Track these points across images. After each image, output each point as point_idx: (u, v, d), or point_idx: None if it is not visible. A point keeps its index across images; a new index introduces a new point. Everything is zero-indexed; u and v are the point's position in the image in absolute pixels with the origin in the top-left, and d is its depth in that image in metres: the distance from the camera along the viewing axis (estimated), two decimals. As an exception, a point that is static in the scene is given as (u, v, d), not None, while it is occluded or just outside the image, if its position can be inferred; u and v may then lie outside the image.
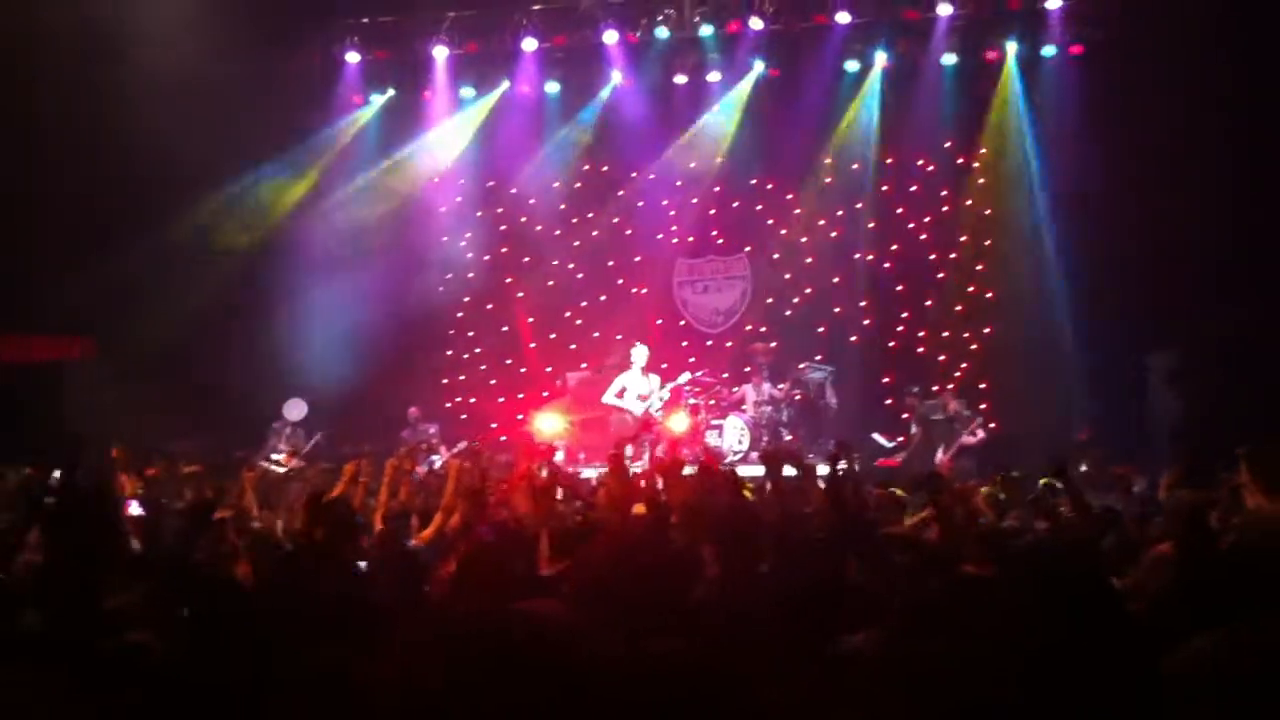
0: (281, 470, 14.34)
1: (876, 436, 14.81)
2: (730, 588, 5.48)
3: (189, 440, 13.78)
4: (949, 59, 16.03)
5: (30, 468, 9.15)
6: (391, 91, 17.75)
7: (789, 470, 8.58)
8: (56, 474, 9.33)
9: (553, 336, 17.84)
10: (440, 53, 17.23)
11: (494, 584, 5.33)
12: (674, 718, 3.53)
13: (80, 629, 4.33)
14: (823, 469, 9.14)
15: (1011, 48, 15.87)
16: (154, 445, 12.92)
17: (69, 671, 3.77)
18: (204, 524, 6.54)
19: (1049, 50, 15.71)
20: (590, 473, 12.24)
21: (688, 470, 9.44)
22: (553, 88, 17.56)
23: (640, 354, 15.01)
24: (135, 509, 8.40)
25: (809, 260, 17.08)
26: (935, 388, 15.33)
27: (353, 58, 17.40)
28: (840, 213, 16.95)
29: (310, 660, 3.65)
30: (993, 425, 15.34)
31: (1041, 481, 8.13)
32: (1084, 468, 11.49)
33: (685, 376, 15.18)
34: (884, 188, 16.77)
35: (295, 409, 15.98)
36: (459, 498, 7.23)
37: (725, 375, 16.03)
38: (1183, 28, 13.36)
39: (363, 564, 6.17)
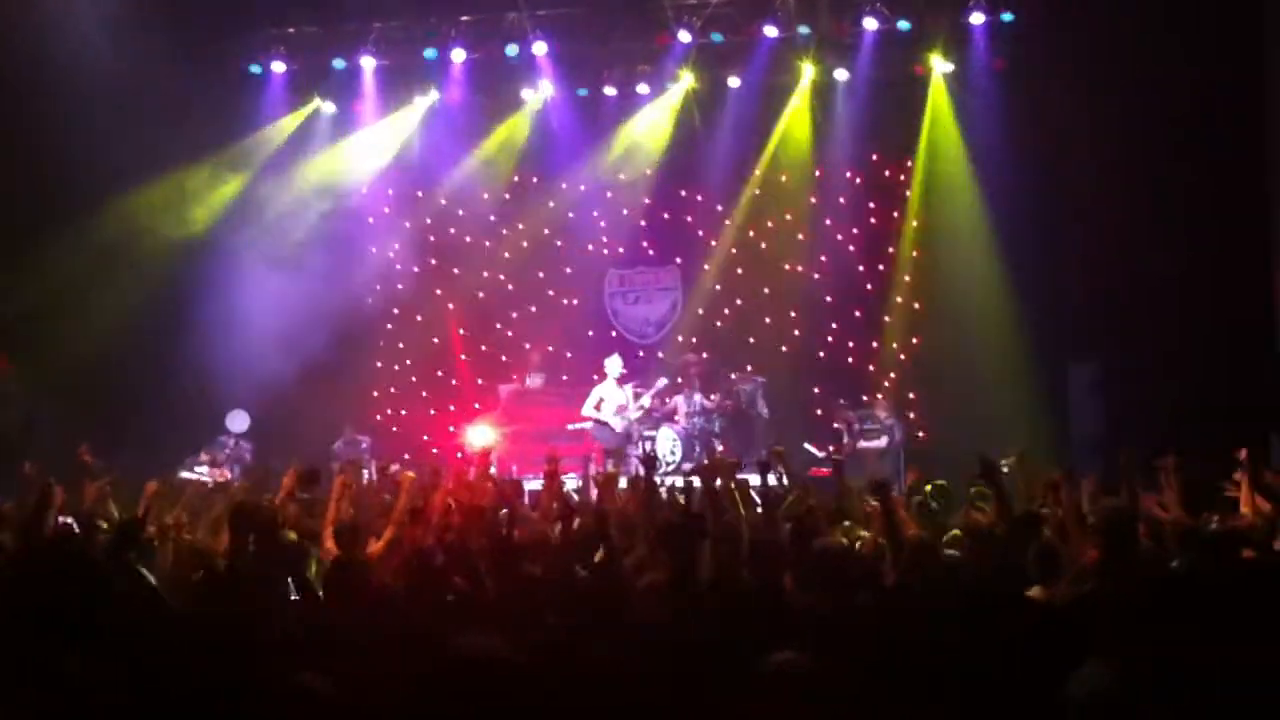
0: (207, 482, 14.11)
1: (808, 446, 14.88)
2: (667, 600, 5.51)
3: (109, 455, 13.54)
4: (876, 73, 16.18)
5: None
6: (318, 101, 17.57)
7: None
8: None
9: (483, 348, 17.77)
10: (368, 63, 17.09)
11: (439, 605, 5.33)
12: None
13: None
14: (755, 479, 9.21)
15: (937, 62, 16.06)
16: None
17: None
18: (132, 542, 6.46)
19: (973, 65, 15.91)
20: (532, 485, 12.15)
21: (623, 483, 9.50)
22: (481, 99, 17.49)
23: (614, 364, 15.05)
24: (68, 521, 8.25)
25: (739, 271, 17.17)
26: (865, 398, 15.50)
27: (278, 67, 17.21)
28: (770, 224, 17.05)
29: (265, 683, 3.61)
30: (920, 434, 15.59)
31: (972, 489, 8.24)
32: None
33: (662, 383, 15.24)
34: (812, 200, 16.90)
35: (237, 421, 15.77)
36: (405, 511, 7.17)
37: (660, 385, 16.04)
38: (1105, 42, 13.65)
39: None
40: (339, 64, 17.26)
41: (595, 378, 15.77)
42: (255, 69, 17.27)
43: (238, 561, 6.08)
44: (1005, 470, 7.84)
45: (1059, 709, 3.43)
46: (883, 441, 14.74)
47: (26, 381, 14.62)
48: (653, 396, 15.20)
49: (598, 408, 14.97)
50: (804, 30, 16.23)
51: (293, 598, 5.91)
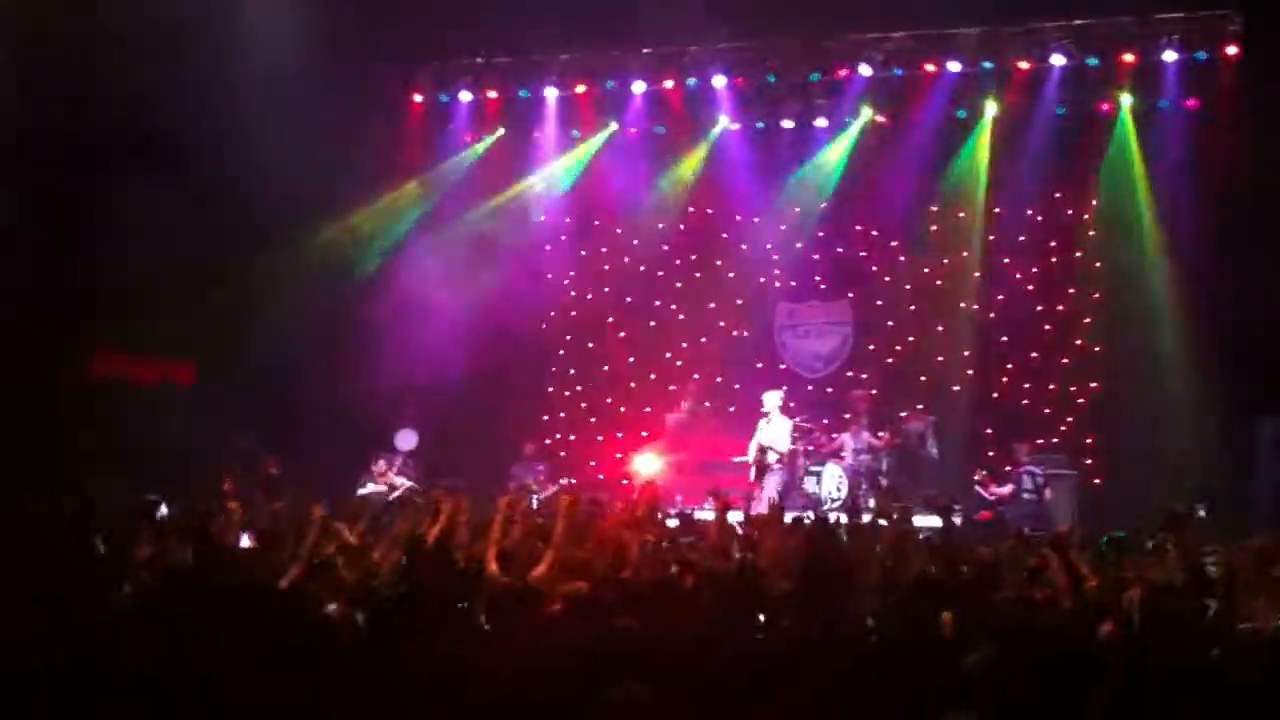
0: (389, 498, 14.52)
1: (980, 489, 14.60)
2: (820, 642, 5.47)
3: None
4: (1060, 109, 15.87)
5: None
6: (501, 131, 18.02)
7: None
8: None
9: (652, 377, 17.89)
10: (551, 93, 17.50)
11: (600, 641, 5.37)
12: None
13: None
14: (929, 520, 9.11)
15: (1126, 100, 15.68)
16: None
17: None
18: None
19: (1163, 104, 15.49)
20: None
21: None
22: (660, 130, 17.71)
23: (772, 399, 14.97)
24: (246, 540, 8.57)
25: (912, 308, 16.97)
26: (1039, 441, 15.16)
27: (465, 97, 17.75)
28: (945, 261, 16.83)
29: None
30: (1096, 481, 15.17)
31: (1150, 543, 7.98)
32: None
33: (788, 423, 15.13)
34: (991, 237, 16.62)
35: (406, 439, 16.22)
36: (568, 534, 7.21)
37: (825, 421, 15.93)
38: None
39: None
40: (523, 94, 17.68)
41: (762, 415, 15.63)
42: (444, 98, 17.78)
43: (412, 589, 6.21)
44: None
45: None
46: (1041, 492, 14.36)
47: (209, 394, 15.24)
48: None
49: (762, 450, 14.84)
50: (988, 65, 16.02)
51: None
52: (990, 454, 15.63)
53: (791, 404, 16.13)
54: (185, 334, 15.17)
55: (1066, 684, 4.39)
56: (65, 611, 5.07)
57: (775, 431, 14.80)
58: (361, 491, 14.85)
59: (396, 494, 14.68)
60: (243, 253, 15.05)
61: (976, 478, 14.74)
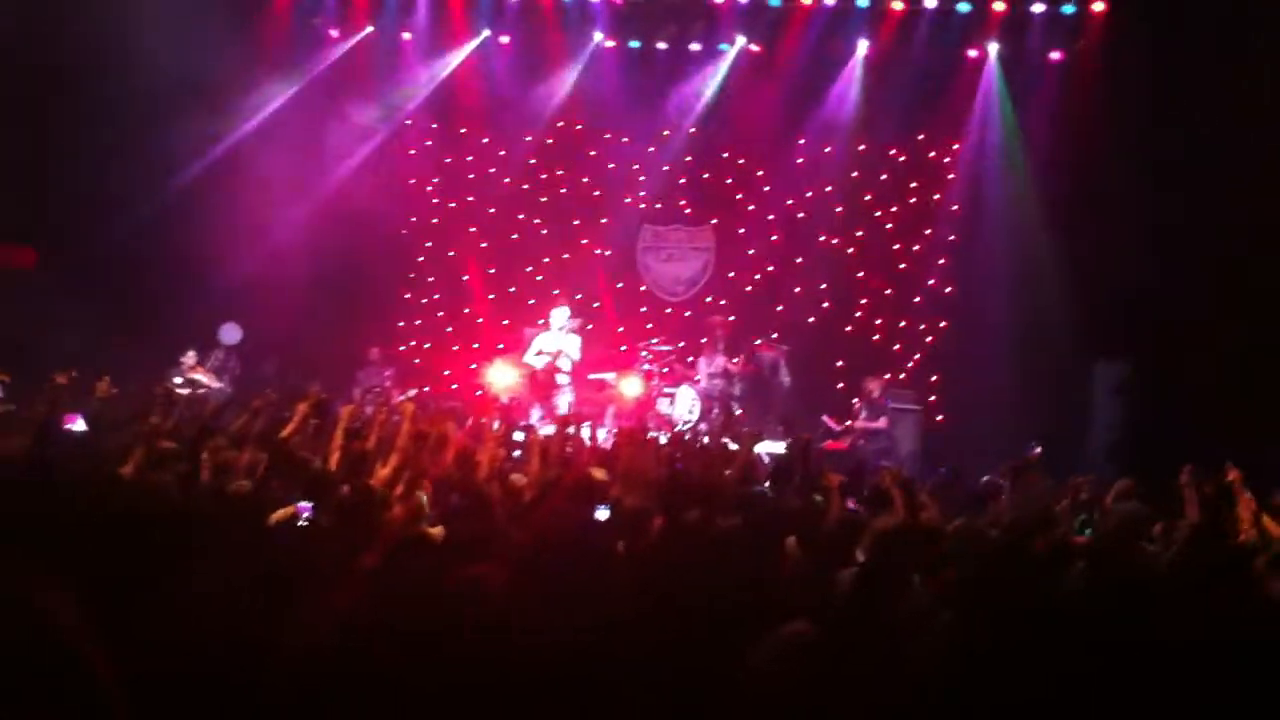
0: (201, 391, 14.17)
1: (826, 419, 14.91)
2: (672, 558, 5.56)
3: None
4: (931, 52, 16.06)
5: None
6: (370, 29, 17.54)
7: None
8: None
9: (512, 290, 17.80)
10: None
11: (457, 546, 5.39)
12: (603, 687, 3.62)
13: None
14: (776, 446, 9.29)
15: (993, 48, 15.95)
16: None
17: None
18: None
19: (1031, 54, 15.79)
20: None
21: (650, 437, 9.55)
22: (532, 41, 17.43)
23: (559, 315, 15.08)
24: (80, 425, 8.35)
25: (773, 238, 17.14)
26: (887, 376, 15.50)
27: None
28: (809, 194, 16.99)
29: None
30: (940, 419, 15.61)
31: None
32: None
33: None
34: (854, 174, 16.82)
35: (230, 333, 15.83)
36: (411, 440, 7.18)
37: (680, 344, 16.06)
38: (1164, 38, 13.49)
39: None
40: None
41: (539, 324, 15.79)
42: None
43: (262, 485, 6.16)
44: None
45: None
46: (882, 422, 14.74)
47: (48, 275, 14.71)
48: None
49: (538, 355, 15.06)
50: (862, 3, 16.12)
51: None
52: (840, 386, 15.96)
53: (649, 325, 16.29)
54: (26, 219, 14.63)
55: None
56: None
57: (565, 346, 14.95)
58: (167, 385, 14.36)
59: (200, 391, 14.24)
60: (97, 138, 14.45)
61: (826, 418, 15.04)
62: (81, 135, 14.51)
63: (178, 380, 14.58)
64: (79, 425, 8.40)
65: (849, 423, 14.83)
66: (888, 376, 15.43)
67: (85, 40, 13.89)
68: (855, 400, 15.09)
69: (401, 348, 17.37)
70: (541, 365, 14.83)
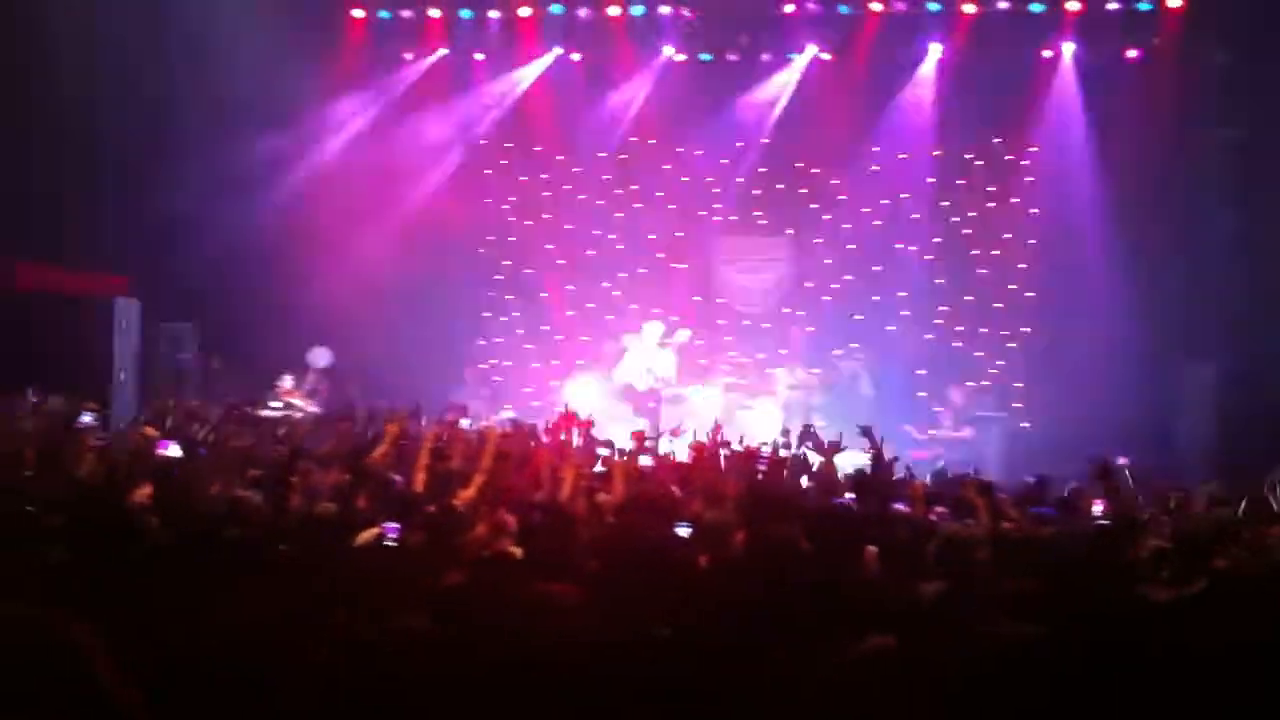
0: (297, 414, 14.37)
1: (909, 429, 14.77)
2: (754, 571, 5.54)
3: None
4: (1004, 54, 15.88)
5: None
6: (443, 51, 17.73)
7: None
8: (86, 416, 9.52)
9: (590, 306, 17.87)
10: (494, 15, 17.23)
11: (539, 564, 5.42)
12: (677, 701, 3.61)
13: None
14: (858, 458, 9.23)
15: (1069, 48, 15.75)
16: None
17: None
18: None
19: (1107, 53, 15.57)
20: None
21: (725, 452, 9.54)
22: (603, 58, 17.51)
23: (652, 330, 15.06)
24: (174, 450, 8.51)
25: (851, 247, 17.04)
26: (970, 384, 15.33)
27: (406, 14, 17.42)
28: (885, 202, 16.88)
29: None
30: (1025, 425, 15.39)
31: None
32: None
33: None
34: (930, 180, 16.68)
35: (320, 356, 16.02)
36: (496, 461, 7.24)
37: (760, 357, 15.99)
38: (1244, 36, 13.25)
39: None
40: (466, 14, 17.37)
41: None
42: (385, 15, 17.44)
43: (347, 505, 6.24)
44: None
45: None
46: (966, 431, 14.59)
47: (141, 303, 15.06)
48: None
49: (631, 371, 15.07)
50: (934, 8, 16.00)
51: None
52: (922, 395, 15.81)
53: (727, 337, 16.27)
54: (118, 246, 14.98)
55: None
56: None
57: (660, 361, 14.96)
58: (264, 411, 14.63)
59: (299, 415, 14.45)
60: (171, 165, 14.75)
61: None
62: (166, 162, 14.83)
63: (274, 404, 14.85)
64: (173, 450, 8.57)
65: (931, 432, 14.68)
66: (970, 385, 15.24)
67: (170, 69, 14.24)
68: (938, 409, 14.94)
69: (481, 366, 17.47)
70: (642, 382, 14.78)
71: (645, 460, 9.00)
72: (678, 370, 15.35)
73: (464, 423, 12.75)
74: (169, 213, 14.68)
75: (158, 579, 4.44)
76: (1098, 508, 7.26)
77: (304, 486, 6.99)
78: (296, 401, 15.12)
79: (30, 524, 5.16)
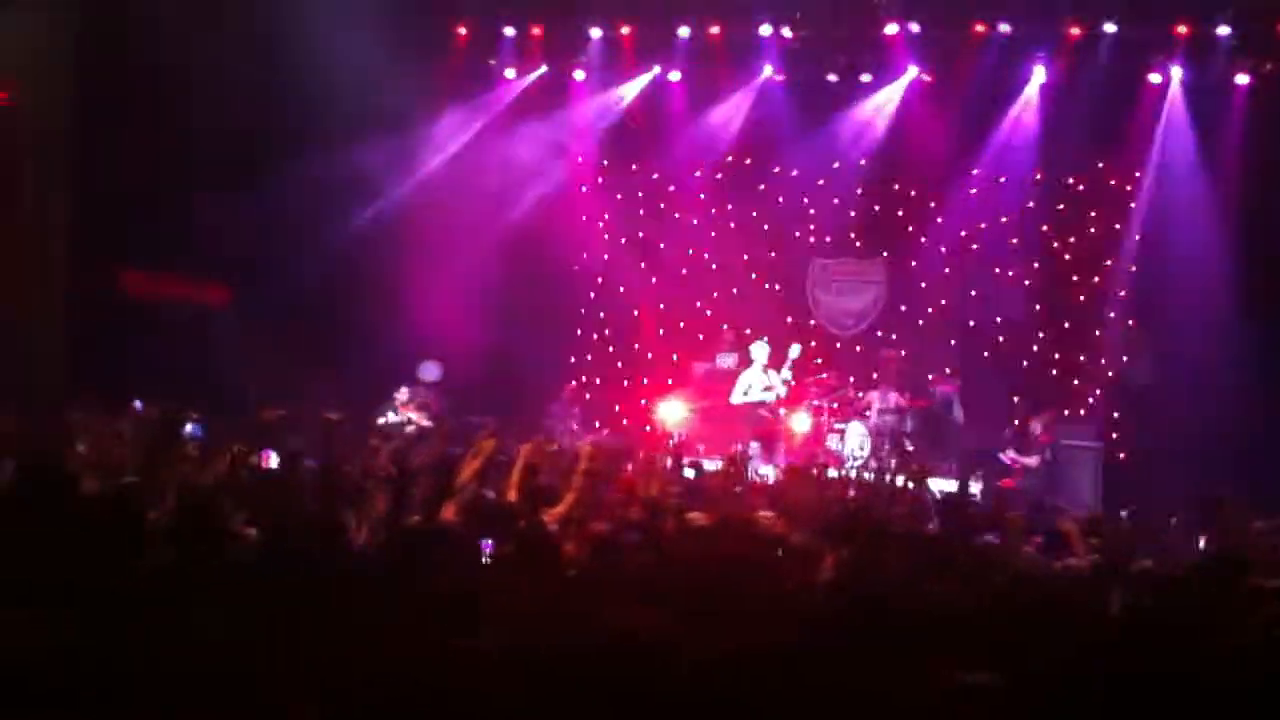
0: (411, 429, 14.54)
1: (1003, 456, 14.56)
2: (842, 596, 5.49)
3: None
4: (1110, 78, 15.61)
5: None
6: (544, 68, 17.87)
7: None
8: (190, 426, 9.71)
9: (681, 325, 17.87)
10: (595, 33, 17.34)
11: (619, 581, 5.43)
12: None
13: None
14: (948, 484, 9.14)
15: (1176, 71, 15.44)
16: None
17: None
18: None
19: (1215, 78, 15.25)
20: (710, 465, 12.20)
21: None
22: (702, 76, 17.53)
23: (760, 350, 14.97)
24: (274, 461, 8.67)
25: (946, 270, 16.86)
26: (1066, 413, 15.10)
27: (508, 31, 17.60)
28: (983, 225, 16.67)
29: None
30: (1121, 456, 15.09)
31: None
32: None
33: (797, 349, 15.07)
34: (1030, 204, 16.45)
35: (429, 371, 16.20)
36: (587, 478, 7.26)
37: (852, 379, 15.89)
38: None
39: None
40: (567, 31, 17.50)
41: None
42: (488, 31, 17.63)
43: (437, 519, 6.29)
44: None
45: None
46: (1033, 460, 14.37)
47: (243, 314, 15.34)
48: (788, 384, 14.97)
49: (746, 393, 14.86)
50: (1038, 29, 15.79)
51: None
52: (1016, 423, 15.56)
53: (819, 360, 16.16)
54: (219, 257, 15.27)
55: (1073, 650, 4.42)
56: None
57: (774, 382, 14.88)
58: (380, 421, 14.87)
59: (411, 428, 14.67)
60: (277, 171, 15.00)
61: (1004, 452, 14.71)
62: (269, 171, 15.08)
63: (391, 417, 15.08)
64: (273, 461, 8.72)
65: (1010, 457, 14.49)
66: (1050, 414, 14.90)
67: (273, 78, 14.50)
68: (1008, 434, 14.74)
69: (572, 383, 17.53)
70: (769, 399, 14.68)
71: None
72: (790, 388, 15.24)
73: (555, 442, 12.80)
74: (270, 222, 14.92)
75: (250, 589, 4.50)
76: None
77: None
78: (413, 415, 15.32)
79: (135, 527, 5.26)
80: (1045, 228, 16.42)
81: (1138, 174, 15.89)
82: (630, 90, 17.76)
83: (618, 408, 17.45)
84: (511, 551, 5.82)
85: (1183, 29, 15.18)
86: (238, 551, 5.40)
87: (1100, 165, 16.16)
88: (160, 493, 6.57)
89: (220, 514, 5.85)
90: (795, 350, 14.85)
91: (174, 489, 6.76)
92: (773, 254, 17.71)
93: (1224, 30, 14.94)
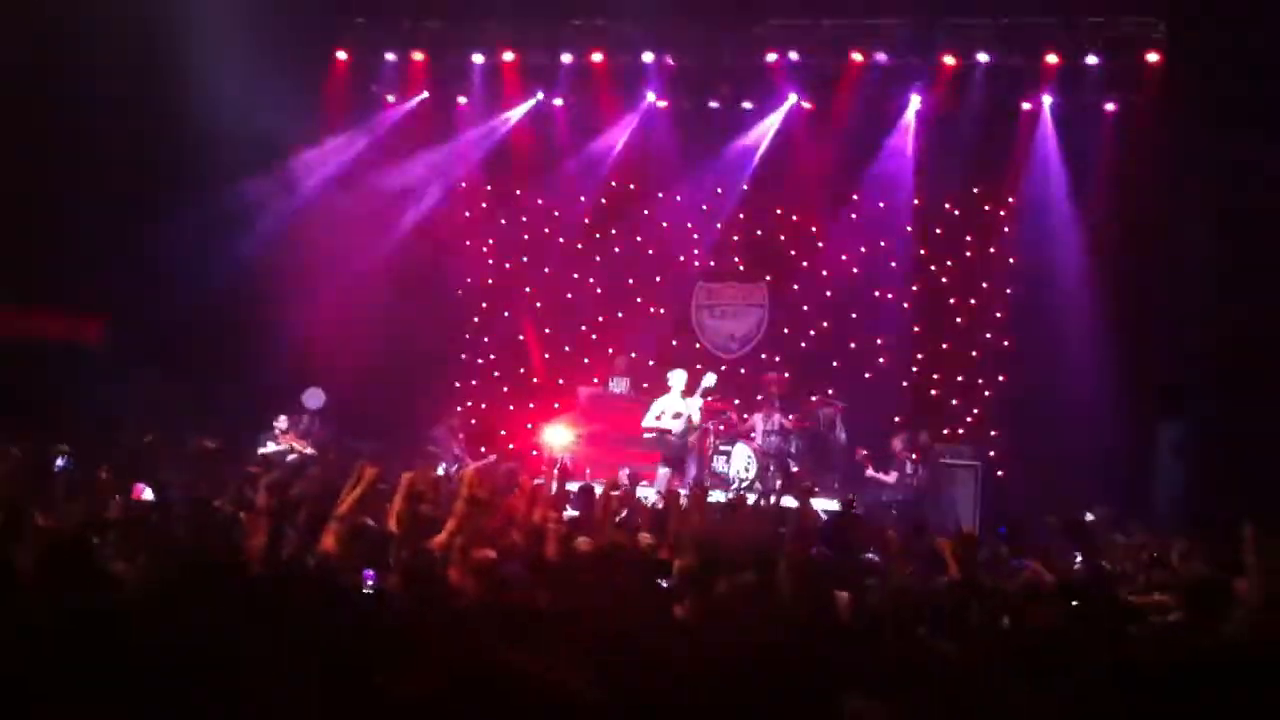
0: (292, 458, 14.31)
1: (879, 475, 14.77)
2: (740, 617, 5.51)
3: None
4: (984, 106, 16.00)
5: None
6: (425, 94, 17.79)
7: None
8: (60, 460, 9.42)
9: (566, 349, 17.89)
10: (477, 59, 17.30)
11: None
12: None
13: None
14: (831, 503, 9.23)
15: (1048, 99, 15.89)
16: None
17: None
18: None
19: (1084, 105, 15.72)
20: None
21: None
22: (585, 104, 17.59)
23: (678, 378, 14.83)
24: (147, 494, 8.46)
25: (828, 294, 17.09)
26: (944, 431, 15.38)
27: (390, 57, 17.49)
28: (863, 249, 16.96)
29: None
30: (999, 474, 15.40)
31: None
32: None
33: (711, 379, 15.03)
34: (909, 228, 16.77)
35: (313, 398, 15.97)
36: (469, 505, 7.17)
37: (736, 402, 16.01)
38: (1218, 95, 13.39)
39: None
40: (449, 59, 17.44)
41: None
42: (368, 57, 17.50)
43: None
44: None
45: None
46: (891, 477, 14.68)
47: (120, 347, 14.96)
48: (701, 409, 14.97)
49: (658, 419, 14.85)
50: (914, 59, 16.13)
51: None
52: (896, 442, 15.77)
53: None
54: (94, 289, 14.89)
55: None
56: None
57: (688, 409, 14.83)
58: (261, 450, 14.63)
59: (293, 456, 14.46)
60: (155, 209, 14.70)
61: (861, 453, 14.93)
62: (146, 201, 14.77)
63: (271, 446, 14.81)
64: (147, 495, 8.51)
65: (868, 471, 14.74)
66: (907, 432, 15.13)
67: (150, 104, 14.22)
68: (863, 452, 14.95)
69: (458, 408, 17.39)
70: (676, 429, 14.54)
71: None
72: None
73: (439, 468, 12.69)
74: (147, 251, 14.59)
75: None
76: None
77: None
78: (294, 444, 15.07)
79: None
80: (923, 251, 16.75)
81: (1011, 199, 16.31)
82: (514, 116, 17.75)
83: (503, 432, 17.36)
84: (396, 582, 5.75)
85: (1053, 59, 15.61)
86: (110, 595, 5.22)
87: (976, 191, 16.54)
88: (26, 533, 6.35)
89: (90, 553, 5.67)
90: (710, 379, 14.77)
91: (42, 529, 6.55)
92: (657, 278, 17.81)
93: (1093, 60, 15.41)
